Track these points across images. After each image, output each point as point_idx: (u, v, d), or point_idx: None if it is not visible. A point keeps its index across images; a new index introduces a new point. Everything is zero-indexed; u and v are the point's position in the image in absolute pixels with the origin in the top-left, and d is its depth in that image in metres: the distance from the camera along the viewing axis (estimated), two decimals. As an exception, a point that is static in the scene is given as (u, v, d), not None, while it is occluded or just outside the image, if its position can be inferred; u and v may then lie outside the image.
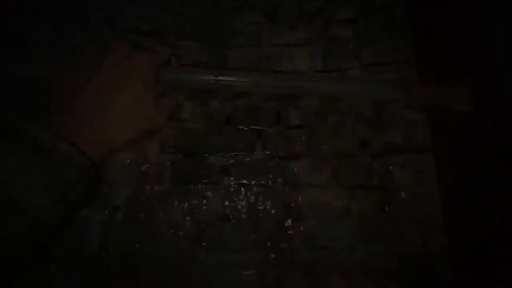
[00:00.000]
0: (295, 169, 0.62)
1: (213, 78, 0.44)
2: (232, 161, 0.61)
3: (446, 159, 0.59)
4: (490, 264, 0.54)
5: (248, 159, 0.62)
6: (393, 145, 0.61)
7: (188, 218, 0.58)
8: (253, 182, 0.60)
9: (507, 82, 0.58)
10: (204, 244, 0.57)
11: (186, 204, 0.58)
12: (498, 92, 0.58)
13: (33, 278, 0.52)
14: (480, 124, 0.58)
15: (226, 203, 0.59)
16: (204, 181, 0.60)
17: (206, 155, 0.61)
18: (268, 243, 0.58)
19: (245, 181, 0.60)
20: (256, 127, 0.63)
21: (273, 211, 0.60)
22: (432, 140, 0.60)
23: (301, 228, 0.59)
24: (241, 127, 0.63)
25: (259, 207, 0.60)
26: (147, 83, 0.38)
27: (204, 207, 0.59)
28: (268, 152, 0.62)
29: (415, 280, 0.54)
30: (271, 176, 0.61)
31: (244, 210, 0.59)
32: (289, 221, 0.60)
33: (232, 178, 0.61)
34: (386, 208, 0.60)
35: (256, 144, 0.62)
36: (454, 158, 0.59)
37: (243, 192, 0.60)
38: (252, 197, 0.60)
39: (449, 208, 0.57)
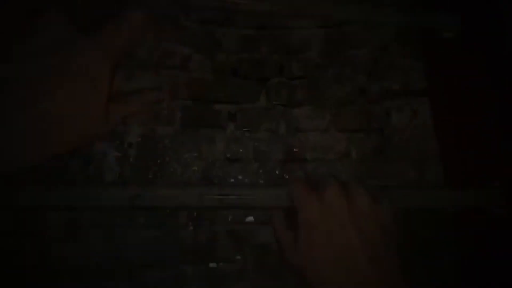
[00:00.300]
0: (297, 116, 0.65)
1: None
2: (238, 108, 0.65)
3: (441, 102, 0.62)
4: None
5: (253, 107, 0.66)
6: (390, 91, 0.64)
7: (196, 157, 0.62)
8: (257, 128, 0.64)
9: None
10: (212, 180, 0.61)
11: (195, 145, 0.62)
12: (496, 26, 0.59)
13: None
14: (475, 63, 0.61)
15: (233, 145, 0.63)
16: (212, 125, 0.64)
17: (214, 102, 0.65)
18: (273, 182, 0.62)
19: (250, 127, 0.64)
20: (261, 78, 0.67)
21: (276, 154, 0.63)
22: (428, 84, 0.63)
23: (303, 169, 0.63)
24: (246, 78, 0.67)
25: (264, 150, 0.64)
26: (96, 83, 0.30)
27: (212, 149, 0.63)
28: (272, 101, 0.66)
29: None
30: (274, 122, 0.65)
31: (249, 152, 0.63)
32: (292, 163, 0.63)
33: (238, 124, 0.65)
34: (385, 149, 0.63)
35: (260, 93, 0.66)
36: (450, 100, 0.62)
37: (248, 136, 0.64)
38: (257, 141, 0.64)
39: (445, 147, 0.60)
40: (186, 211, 0.59)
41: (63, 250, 0.57)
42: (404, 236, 0.43)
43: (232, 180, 0.61)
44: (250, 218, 0.61)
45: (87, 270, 0.56)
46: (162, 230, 0.58)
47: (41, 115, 0.28)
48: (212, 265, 0.58)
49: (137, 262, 0.57)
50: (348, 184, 0.37)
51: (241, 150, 0.63)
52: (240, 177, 0.62)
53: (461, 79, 0.61)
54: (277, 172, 0.63)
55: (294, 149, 0.64)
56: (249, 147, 0.63)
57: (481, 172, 0.55)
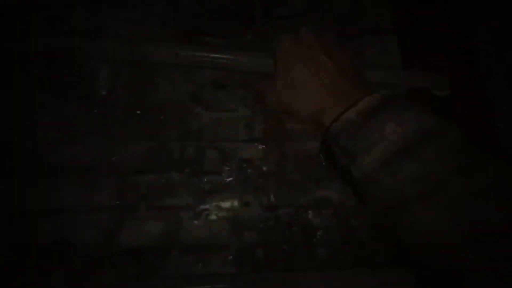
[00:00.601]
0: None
1: None
2: (225, 42, 0.70)
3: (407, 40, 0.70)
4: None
5: (240, 41, 0.71)
6: (366, 30, 0.71)
7: (187, 80, 0.66)
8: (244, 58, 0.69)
9: None
10: (201, 101, 0.65)
11: (186, 70, 0.67)
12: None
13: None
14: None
15: (222, 73, 0.68)
16: (202, 54, 0.69)
17: (203, 35, 0.70)
18: (256, 105, 0.66)
19: (237, 57, 0.69)
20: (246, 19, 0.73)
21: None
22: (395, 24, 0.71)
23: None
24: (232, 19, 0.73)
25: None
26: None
27: (201, 75, 0.67)
28: (257, 36, 0.71)
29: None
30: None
31: (236, 79, 0.68)
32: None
33: (225, 55, 0.70)
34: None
35: (247, 30, 0.72)
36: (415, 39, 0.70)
37: (235, 64, 0.69)
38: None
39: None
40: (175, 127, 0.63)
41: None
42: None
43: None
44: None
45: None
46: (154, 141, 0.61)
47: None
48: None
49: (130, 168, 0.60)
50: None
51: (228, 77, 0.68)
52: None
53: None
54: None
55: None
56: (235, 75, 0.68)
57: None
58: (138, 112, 0.63)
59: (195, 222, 0.59)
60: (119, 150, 0.61)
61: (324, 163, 0.60)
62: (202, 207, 0.59)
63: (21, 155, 0.59)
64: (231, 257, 0.58)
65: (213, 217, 0.59)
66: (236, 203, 0.60)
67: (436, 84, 0.62)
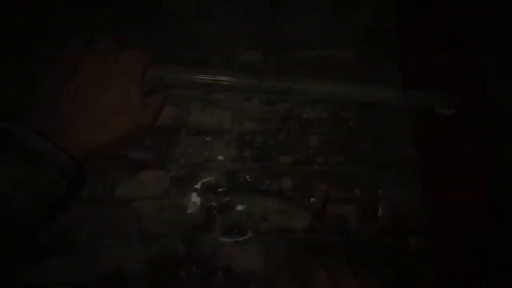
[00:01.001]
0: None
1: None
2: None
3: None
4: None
5: None
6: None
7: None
8: None
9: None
10: (208, 17, 0.73)
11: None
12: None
13: None
14: None
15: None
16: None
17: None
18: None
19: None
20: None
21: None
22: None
23: (285, 15, 0.75)
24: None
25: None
26: (134, 80, 0.36)
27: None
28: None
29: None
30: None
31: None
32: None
33: None
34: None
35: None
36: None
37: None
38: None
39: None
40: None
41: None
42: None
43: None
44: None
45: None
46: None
47: (101, 105, 0.35)
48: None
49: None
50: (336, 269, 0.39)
51: None
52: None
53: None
54: None
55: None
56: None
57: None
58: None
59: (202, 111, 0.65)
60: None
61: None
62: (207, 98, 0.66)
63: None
64: (233, 142, 0.64)
65: (218, 109, 0.66)
66: (238, 97, 0.67)
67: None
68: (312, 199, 0.60)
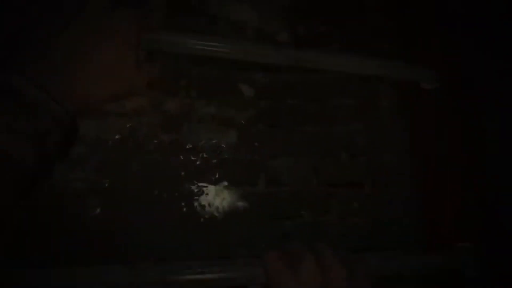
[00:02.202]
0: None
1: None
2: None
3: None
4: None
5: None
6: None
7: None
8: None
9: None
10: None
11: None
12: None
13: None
14: None
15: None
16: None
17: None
18: None
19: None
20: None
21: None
22: None
23: None
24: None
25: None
26: (128, 42, 0.35)
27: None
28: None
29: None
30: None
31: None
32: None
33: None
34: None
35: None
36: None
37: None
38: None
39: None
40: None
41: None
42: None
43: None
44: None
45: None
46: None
47: (94, 62, 0.34)
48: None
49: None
50: (323, 253, 0.37)
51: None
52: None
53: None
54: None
55: None
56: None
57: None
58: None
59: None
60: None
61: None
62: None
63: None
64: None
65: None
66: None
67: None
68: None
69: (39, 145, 0.29)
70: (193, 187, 0.79)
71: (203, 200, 0.80)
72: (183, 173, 0.80)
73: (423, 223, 0.70)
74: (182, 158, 0.81)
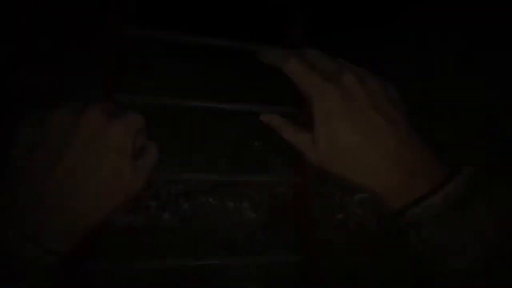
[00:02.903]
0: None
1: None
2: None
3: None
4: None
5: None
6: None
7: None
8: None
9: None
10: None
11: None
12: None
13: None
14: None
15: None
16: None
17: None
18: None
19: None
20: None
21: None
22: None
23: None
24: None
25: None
26: (124, 153, 0.34)
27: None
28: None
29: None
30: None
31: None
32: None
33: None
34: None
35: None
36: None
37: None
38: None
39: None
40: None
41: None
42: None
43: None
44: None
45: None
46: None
47: (90, 187, 0.33)
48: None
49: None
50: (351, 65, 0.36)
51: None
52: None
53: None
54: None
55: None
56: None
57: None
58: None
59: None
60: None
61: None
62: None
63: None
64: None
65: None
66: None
67: None
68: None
69: None
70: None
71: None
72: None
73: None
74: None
